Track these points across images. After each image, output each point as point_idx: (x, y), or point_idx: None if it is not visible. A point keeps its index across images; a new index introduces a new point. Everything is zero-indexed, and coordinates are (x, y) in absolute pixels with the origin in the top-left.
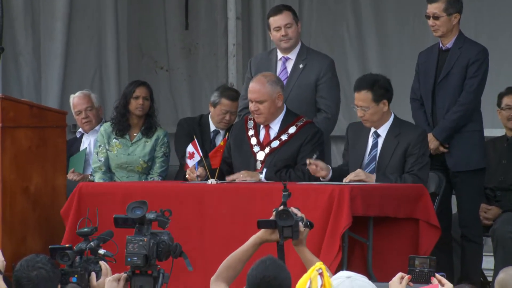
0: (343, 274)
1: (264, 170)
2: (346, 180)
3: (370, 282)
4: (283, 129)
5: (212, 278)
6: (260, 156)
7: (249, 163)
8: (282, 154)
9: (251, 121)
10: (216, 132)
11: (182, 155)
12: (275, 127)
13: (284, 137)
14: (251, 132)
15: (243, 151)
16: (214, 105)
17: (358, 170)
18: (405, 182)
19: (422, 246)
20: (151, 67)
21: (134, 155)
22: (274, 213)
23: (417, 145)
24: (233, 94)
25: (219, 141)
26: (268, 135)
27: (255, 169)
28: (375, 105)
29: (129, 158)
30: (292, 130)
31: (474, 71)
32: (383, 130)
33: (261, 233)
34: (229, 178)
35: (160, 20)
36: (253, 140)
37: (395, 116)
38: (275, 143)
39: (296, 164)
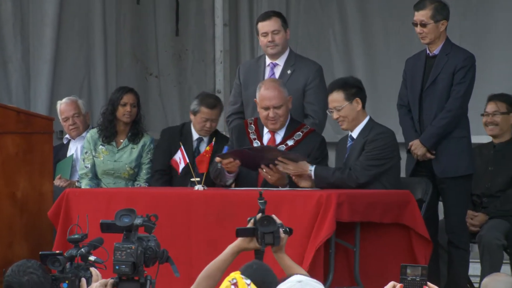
0: (295, 278)
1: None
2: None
3: (323, 286)
4: (289, 134)
5: None
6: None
7: None
8: None
9: (252, 125)
10: (200, 140)
11: (155, 170)
12: (281, 132)
13: (290, 142)
14: (253, 136)
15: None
16: (194, 113)
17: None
18: (338, 177)
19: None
20: (142, 73)
21: (120, 161)
22: (251, 221)
23: (372, 143)
24: (212, 102)
25: (203, 148)
26: (273, 139)
27: (257, 172)
28: (348, 104)
29: (116, 165)
30: (298, 136)
31: (461, 77)
32: (356, 133)
33: (239, 242)
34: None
35: (151, 26)
36: (257, 144)
37: (369, 119)
38: (281, 148)
39: None
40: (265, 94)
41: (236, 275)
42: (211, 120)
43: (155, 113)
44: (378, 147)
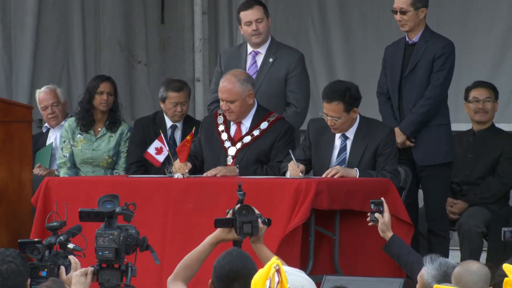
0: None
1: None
2: (325, 176)
3: (306, 276)
4: (255, 125)
5: (169, 279)
6: (232, 151)
7: (220, 158)
8: (254, 149)
9: (221, 116)
10: (174, 127)
11: (131, 162)
12: (246, 122)
13: (256, 133)
14: (221, 128)
15: (213, 146)
16: (163, 100)
17: (338, 167)
18: (385, 177)
19: None
20: (128, 61)
21: (99, 150)
22: (230, 212)
23: (387, 144)
24: (178, 85)
25: (178, 135)
26: (239, 131)
27: (225, 164)
28: (346, 115)
29: (94, 153)
30: (264, 125)
31: (440, 65)
32: (351, 133)
33: (217, 233)
34: (207, 174)
35: (138, 14)
36: (224, 136)
37: (361, 116)
38: (247, 139)
39: (268, 159)
40: (221, 86)
41: (277, 260)
42: (180, 104)
43: (141, 101)
44: (394, 141)
